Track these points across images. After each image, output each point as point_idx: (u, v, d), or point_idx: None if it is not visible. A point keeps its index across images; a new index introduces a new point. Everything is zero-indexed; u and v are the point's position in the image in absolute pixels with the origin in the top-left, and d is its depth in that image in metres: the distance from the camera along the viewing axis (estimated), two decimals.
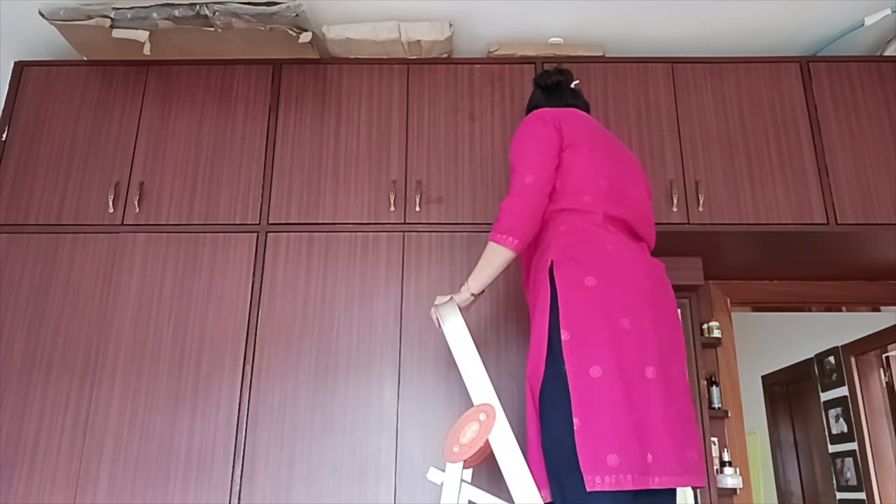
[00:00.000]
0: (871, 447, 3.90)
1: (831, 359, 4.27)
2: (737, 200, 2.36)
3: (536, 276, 1.71)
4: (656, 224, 2.25)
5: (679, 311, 2.70)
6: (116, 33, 2.33)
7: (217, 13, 2.27)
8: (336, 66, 2.54)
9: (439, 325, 1.74)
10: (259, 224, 2.34)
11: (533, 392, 1.61)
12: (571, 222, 1.70)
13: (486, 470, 1.96)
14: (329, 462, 2.08)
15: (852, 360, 4.07)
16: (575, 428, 1.47)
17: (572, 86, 2.01)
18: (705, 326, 2.76)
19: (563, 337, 1.54)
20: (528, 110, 2.02)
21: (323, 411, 2.13)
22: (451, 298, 1.76)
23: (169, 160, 2.43)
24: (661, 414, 1.53)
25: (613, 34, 2.55)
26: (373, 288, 2.25)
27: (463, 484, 1.56)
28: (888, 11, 2.41)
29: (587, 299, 1.57)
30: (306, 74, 2.52)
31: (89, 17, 2.30)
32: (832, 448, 4.28)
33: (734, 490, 2.62)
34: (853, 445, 4.03)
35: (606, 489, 1.42)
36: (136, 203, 2.37)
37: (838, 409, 4.19)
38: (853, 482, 4.04)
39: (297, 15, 2.27)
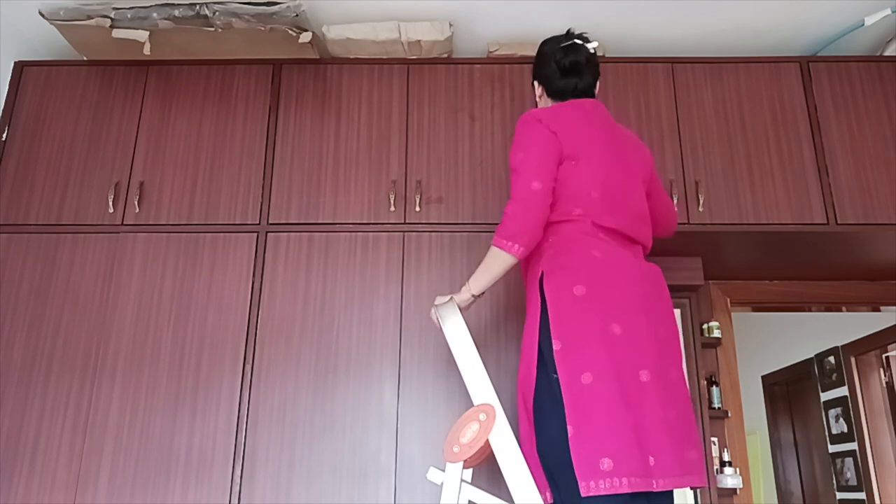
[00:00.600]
0: (871, 447, 3.90)
1: (831, 359, 4.27)
2: (737, 200, 2.36)
3: (528, 285, 1.73)
4: None
5: (678, 311, 2.71)
6: (116, 33, 2.33)
7: (217, 13, 2.27)
8: (336, 66, 2.54)
9: (440, 325, 1.74)
10: (259, 224, 2.34)
11: (525, 400, 1.62)
12: (561, 232, 1.71)
13: (486, 470, 1.96)
14: (329, 462, 2.08)
15: (852, 360, 4.07)
16: (569, 434, 1.48)
17: (590, 49, 1.89)
18: (705, 326, 2.76)
19: (554, 346, 1.56)
20: (536, 77, 1.95)
21: (323, 411, 2.13)
22: (452, 298, 1.77)
23: (169, 160, 2.43)
24: (660, 416, 1.53)
25: (613, 34, 2.55)
26: (373, 288, 2.25)
27: (463, 484, 1.56)
28: (888, 11, 2.41)
29: (576, 307, 1.58)
30: (306, 74, 2.52)
31: (89, 17, 2.30)
32: (832, 448, 4.28)
33: (734, 490, 2.62)
34: (853, 445, 4.03)
35: (601, 493, 1.43)
36: (136, 203, 2.36)
37: (838, 409, 4.19)
38: (853, 482, 4.04)
39: (297, 15, 2.27)
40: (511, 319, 2.21)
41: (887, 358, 3.94)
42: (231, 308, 2.24)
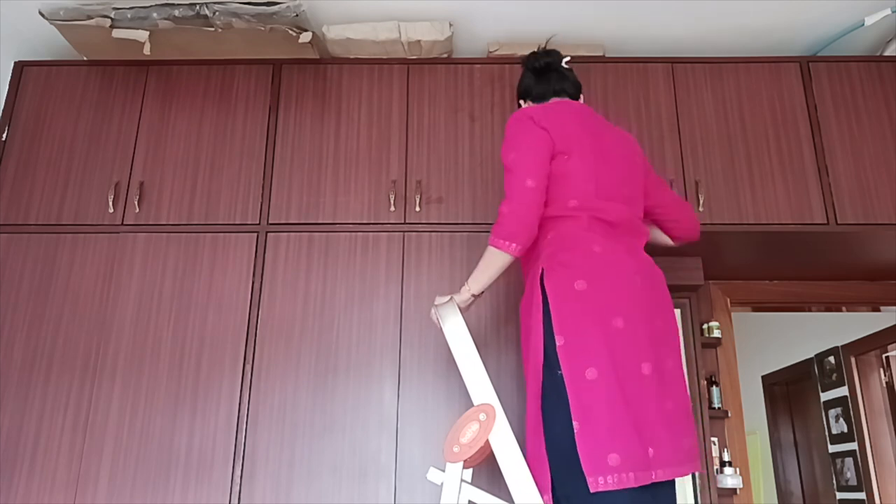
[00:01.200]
0: (871, 447, 3.90)
1: (831, 359, 4.27)
2: (737, 200, 2.36)
3: (529, 283, 1.72)
4: None
5: (678, 311, 2.71)
6: (116, 33, 2.33)
7: (217, 13, 2.27)
8: (336, 66, 2.54)
9: (440, 325, 1.74)
10: (259, 224, 2.34)
11: (534, 399, 1.61)
12: (558, 228, 1.72)
13: (486, 470, 1.96)
14: (329, 462, 2.08)
15: (852, 360, 4.07)
16: (575, 431, 1.48)
17: (563, 63, 1.96)
18: (705, 326, 2.76)
19: (557, 342, 1.56)
20: (519, 94, 2.01)
21: (323, 411, 2.13)
22: (451, 298, 1.77)
23: (169, 160, 2.43)
24: (658, 408, 1.55)
25: (613, 34, 2.55)
26: (373, 288, 2.25)
27: (463, 484, 1.56)
28: (888, 11, 2.41)
29: (578, 303, 1.58)
30: (306, 74, 2.52)
31: (89, 17, 2.30)
32: (832, 448, 4.28)
33: (734, 490, 2.62)
34: (853, 445, 4.03)
35: (610, 489, 1.43)
36: (136, 203, 2.36)
37: (838, 409, 4.19)
38: (853, 482, 4.04)
39: (297, 15, 2.27)
40: (511, 319, 2.21)
41: (887, 358, 3.94)
42: (231, 308, 2.24)
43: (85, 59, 2.57)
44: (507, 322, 2.21)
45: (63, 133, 2.47)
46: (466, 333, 1.68)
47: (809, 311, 3.18)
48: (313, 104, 2.49)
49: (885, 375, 3.95)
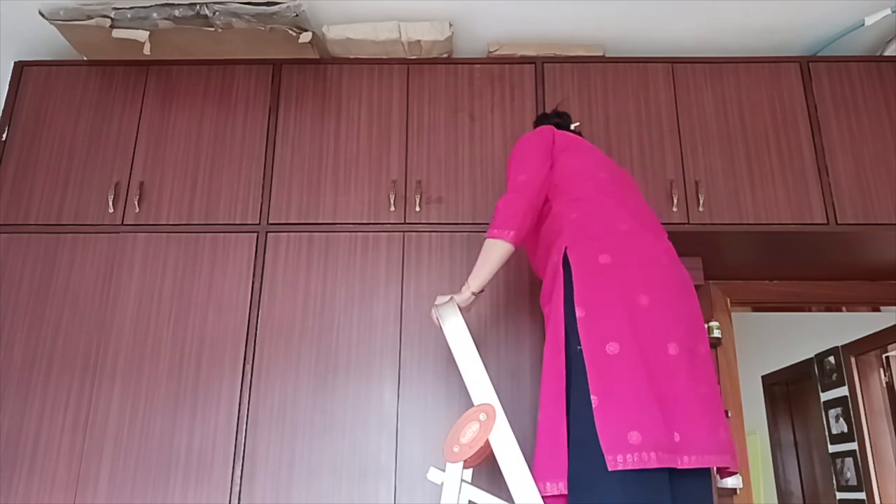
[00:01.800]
0: (871, 447, 3.90)
1: (831, 359, 4.27)
2: (737, 200, 2.36)
3: (552, 268, 1.67)
4: None
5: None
6: (116, 33, 2.33)
7: (217, 13, 2.27)
8: (336, 66, 2.54)
9: (440, 325, 1.74)
10: (259, 224, 2.34)
11: (555, 378, 1.53)
12: (582, 207, 1.71)
13: (486, 470, 1.96)
14: (329, 462, 2.08)
15: (852, 360, 4.07)
16: (593, 406, 1.41)
17: (572, 128, 2.06)
18: (705, 326, 2.75)
19: (577, 314, 1.51)
20: (536, 124, 2.14)
21: (323, 411, 2.13)
22: (452, 298, 1.77)
23: (169, 160, 2.43)
24: (690, 391, 1.47)
25: (613, 34, 2.55)
26: (373, 288, 2.25)
27: (463, 484, 1.56)
28: (888, 11, 2.41)
29: (602, 276, 1.53)
30: (306, 74, 2.52)
31: (89, 17, 2.30)
32: (832, 448, 4.27)
33: (734, 490, 2.61)
34: (853, 445, 4.03)
35: (629, 468, 1.36)
36: (136, 203, 2.36)
37: (838, 409, 4.19)
38: (853, 482, 4.04)
39: (297, 15, 2.27)
40: (511, 317, 2.21)
41: (887, 358, 3.93)
42: (231, 308, 2.24)
43: (85, 59, 2.57)
44: (507, 321, 2.21)
45: (63, 133, 2.47)
46: (466, 333, 1.68)
47: (809, 311, 3.18)
48: (313, 104, 2.49)
49: (885, 375, 3.95)
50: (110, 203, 2.36)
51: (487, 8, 2.41)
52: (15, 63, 2.58)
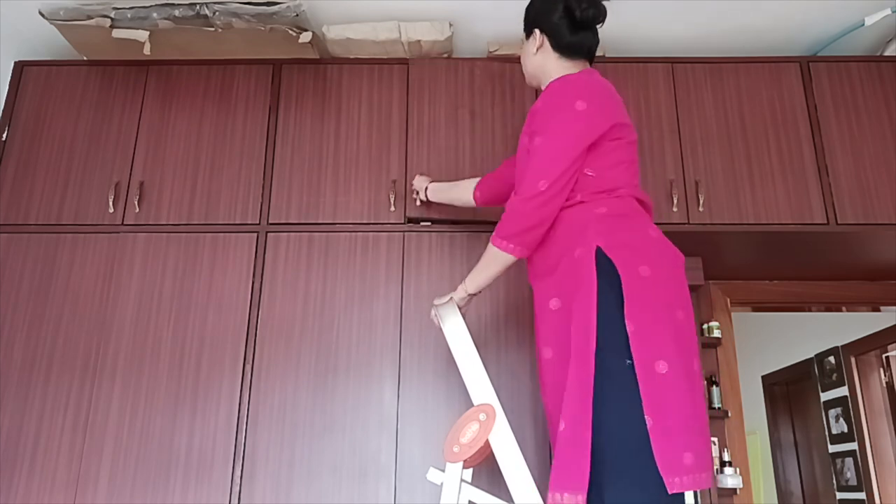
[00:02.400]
0: (871, 447, 3.90)
1: (831, 359, 4.27)
2: (737, 200, 2.36)
3: (575, 263, 1.55)
4: (657, 224, 2.22)
5: None
6: (116, 33, 2.33)
7: (217, 13, 2.27)
8: (336, 66, 2.54)
9: (439, 325, 1.74)
10: (259, 224, 2.34)
11: (581, 387, 1.43)
12: (611, 205, 1.59)
13: (486, 470, 1.96)
14: (329, 462, 2.08)
15: (852, 360, 4.07)
16: (648, 427, 1.37)
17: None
18: (705, 326, 2.76)
19: (628, 328, 1.43)
20: (540, 26, 1.78)
21: (323, 411, 2.13)
22: (451, 298, 1.77)
23: (169, 160, 2.42)
24: (704, 408, 1.49)
25: (613, 34, 2.55)
26: (373, 288, 2.25)
27: (463, 484, 1.56)
28: (888, 11, 2.41)
29: (644, 289, 1.48)
30: (306, 74, 2.52)
31: (89, 17, 2.30)
32: (832, 448, 4.28)
33: (734, 490, 2.61)
34: (853, 445, 4.03)
35: (686, 489, 1.35)
36: (136, 203, 2.36)
37: (838, 409, 4.19)
38: (853, 482, 4.04)
39: (297, 15, 2.27)
40: (511, 319, 2.21)
41: (887, 358, 3.94)
42: (231, 308, 2.24)
43: (85, 59, 2.57)
44: (507, 322, 2.21)
45: (63, 133, 2.47)
46: (466, 333, 1.68)
47: (809, 311, 3.18)
48: (313, 104, 2.49)
49: (885, 375, 3.95)
50: (110, 203, 2.36)
51: (487, 8, 2.41)
52: (15, 63, 2.58)
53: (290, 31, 2.33)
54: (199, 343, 2.21)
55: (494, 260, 1.67)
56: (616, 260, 1.49)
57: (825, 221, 2.33)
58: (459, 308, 1.75)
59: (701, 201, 2.34)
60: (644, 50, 2.63)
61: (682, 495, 1.42)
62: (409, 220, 2.33)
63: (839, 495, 4.20)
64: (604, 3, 1.76)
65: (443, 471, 1.59)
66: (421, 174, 2.32)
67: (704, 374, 2.68)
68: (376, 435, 2.10)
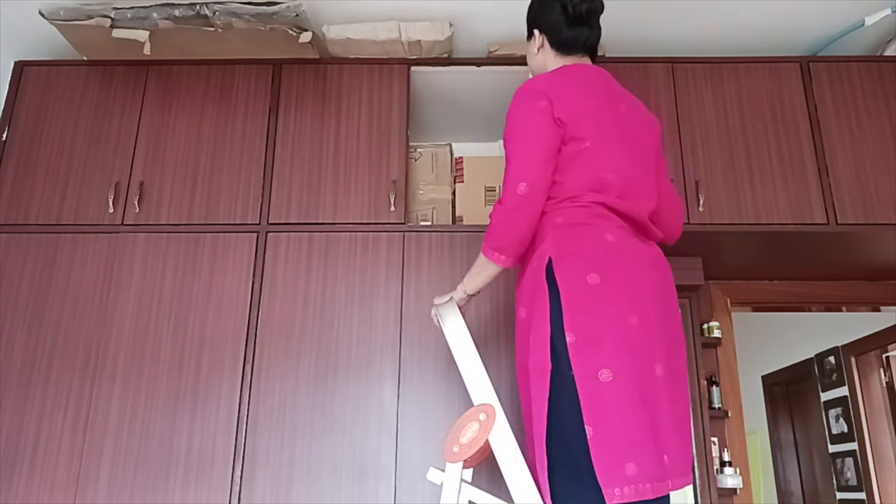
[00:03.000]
0: (871, 447, 3.90)
1: (831, 359, 4.27)
2: (737, 200, 2.36)
3: (532, 271, 1.56)
4: None
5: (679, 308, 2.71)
6: (116, 33, 2.33)
7: (217, 13, 2.27)
8: (336, 66, 2.54)
9: (440, 325, 1.73)
10: (259, 224, 2.34)
11: (539, 401, 1.48)
12: (569, 214, 1.57)
13: (486, 470, 1.96)
14: (329, 462, 2.08)
15: (852, 360, 4.07)
16: (588, 436, 1.36)
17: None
18: (705, 326, 2.76)
19: (567, 339, 1.43)
20: (539, 25, 1.76)
21: (323, 411, 2.13)
22: (451, 298, 1.76)
23: (169, 160, 2.42)
24: (672, 412, 1.46)
25: (613, 34, 2.55)
26: (373, 288, 2.25)
27: (463, 484, 1.56)
28: (888, 11, 2.41)
29: (591, 298, 1.46)
30: (306, 74, 2.52)
31: (89, 17, 2.30)
32: (832, 448, 4.28)
33: (734, 490, 2.62)
34: (853, 445, 4.03)
35: (626, 500, 1.33)
36: (136, 203, 2.36)
37: (838, 409, 4.20)
38: (853, 482, 4.04)
39: (297, 15, 2.27)
40: (511, 319, 2.21)
41: (887, 358, 3.94)
42: (231, 308, 2.24)
43: (85, 59, 2.57)
44: (507, 322, 2.21)
45: (63, 133, 2.47)
46: (466, 333, 1.68)
47: (809, 311, 3.18)
48: (313, 104, 2.49)
49: (885, 375, 3.95)
50: (110, 203, 2.36)
51: (487, 8, 2.41)
52: (15, 63, 2.58)
53: (290, 31, 2.33)
54: (199, 343, 2.21)
55: (486, 268, 1.67)
56: (559, 271, 1.49)
57: (825, 221, 2.33)
58: (459, 308, 1.75)
59: (701, 201, 2.34)
60: (644, 50, 2.63)
61: (665, 497, 1.40)
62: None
63: (839, 495, 4.20)
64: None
65: (443, 471, 1.59)
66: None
67: (704, 374, 2.68)
68: (376, 435, 2.10)
